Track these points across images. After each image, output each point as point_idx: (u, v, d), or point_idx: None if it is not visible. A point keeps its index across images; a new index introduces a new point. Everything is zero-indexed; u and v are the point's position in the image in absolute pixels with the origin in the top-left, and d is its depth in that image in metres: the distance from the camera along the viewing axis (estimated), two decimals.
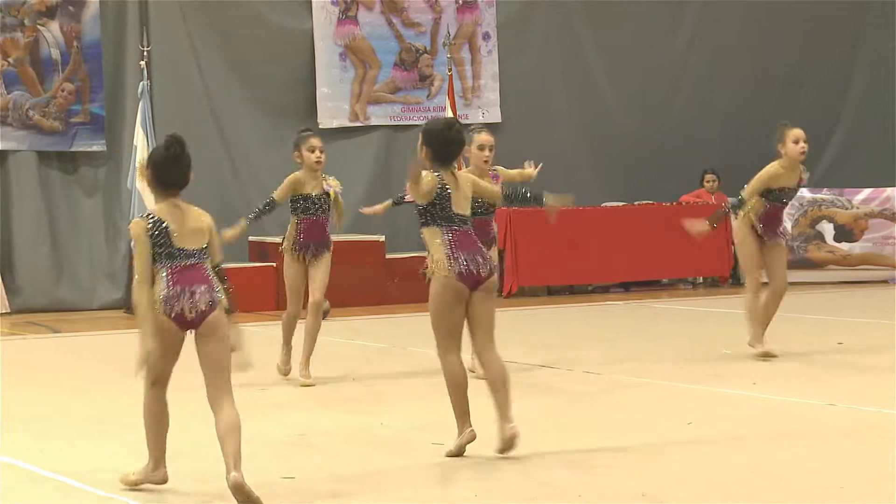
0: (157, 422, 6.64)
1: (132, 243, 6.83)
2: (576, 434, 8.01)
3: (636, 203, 17.72)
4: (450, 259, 7.17)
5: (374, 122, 17.33)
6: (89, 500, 6.63)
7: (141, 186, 14.56)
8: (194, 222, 6.59)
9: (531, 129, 17.65)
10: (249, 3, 16.65)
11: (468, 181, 7.52)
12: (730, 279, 17.28)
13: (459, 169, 7.96)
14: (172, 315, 6.35)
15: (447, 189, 7.27)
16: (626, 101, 18.50)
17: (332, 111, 17.12)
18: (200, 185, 16.30)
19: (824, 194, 17.76)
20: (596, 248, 16.95)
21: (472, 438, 7.03)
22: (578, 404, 9.35)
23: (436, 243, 7.27)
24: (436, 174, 7.28)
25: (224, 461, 6.24)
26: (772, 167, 10.79)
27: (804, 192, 17.56)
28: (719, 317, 14.50)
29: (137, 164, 14.74)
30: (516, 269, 16.55)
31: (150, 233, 6.40)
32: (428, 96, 17.50)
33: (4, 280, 15.26)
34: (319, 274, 10.10)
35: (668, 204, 17.64)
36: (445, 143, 7.39)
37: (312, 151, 9.92)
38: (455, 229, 7.28)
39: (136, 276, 6.39)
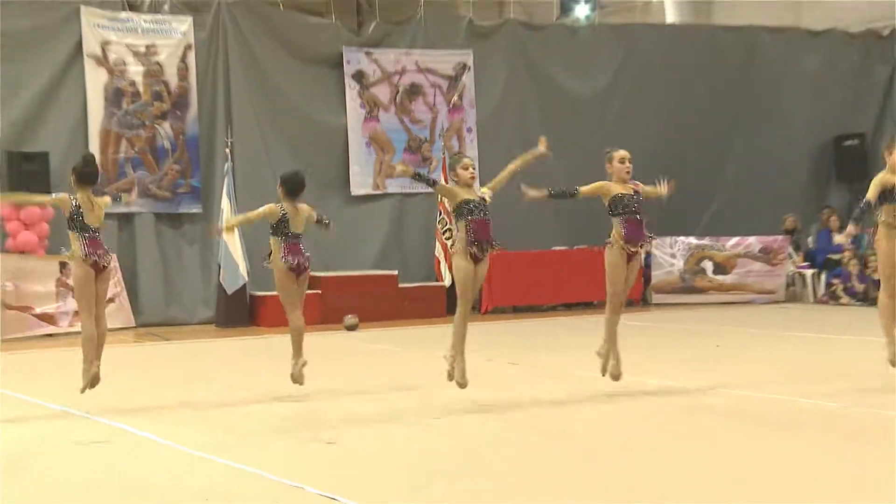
0: (92, 336, 8.03)
1: (54, 196, 8.38)
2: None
3: (575, 248, 17.60)
4: (284, 258, 8.49)
5: (390, 190, 17.31)
6: (177, 454, 6.64)
7: (227, 237, 14.72)
8: (97, 210, 8.08)
9: (501, 194, 17.00)
10: (302, 107, 16.76)
11: (305, 211, 8.71)
12: (641, 300, 17.43)
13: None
14: (91, 264, 7.89)
15: (286, 215, 8.53)
16: (567, 173, 17.81)
17: (361, 183, 17.13)
18: (265, 235, 16.66)
19: (706, 241, 17.84)
20: (548, 278, 16.90)
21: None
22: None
23: (275, 248, 8.56)
24: (280, 206, 8.57)
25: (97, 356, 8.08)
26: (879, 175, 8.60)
27: (692, 239, 17.82)
28: (634, 328, 14.66)
29: (224, 223, 15.03)
30: (490, 293, 16.42)
31: (71, 207, 7.99)
32: (428, 172, 17.02)
33: (132, 303, 15.25)
34: (483, 270, 8.22)
35: (598, 248, 17.46)
36: (289, 183, 8.64)
37: (466, 169, 8.36)
38: (288, 241, 8.54)
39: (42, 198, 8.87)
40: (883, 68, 19.81)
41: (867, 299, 16.56)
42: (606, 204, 8.56)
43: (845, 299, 16.88)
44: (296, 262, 8.54)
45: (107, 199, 8.40)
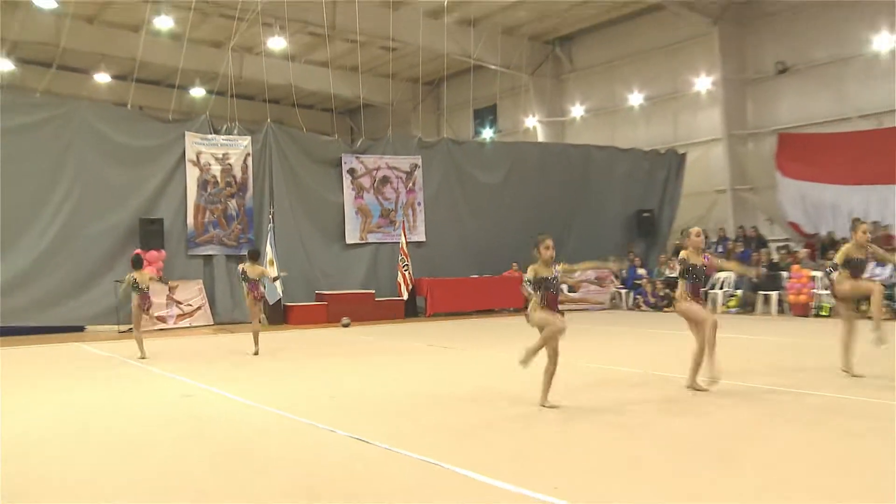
0: (140, 338, 9.62)
1: (129, 278, 9.60)
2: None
3: (485, 275, 17.69)
4: (254, 300, 10.12)
5: (370, 241, 17.16)
6: (237, 404, 6.38)
7: (270, 271, 14.61)
8: (146, 279, 9.36)
9: (439, 244, 17.77)
10: (315, 190, 16.64)
11: (258, 269, 10.17)
12: (524, 307, 17.13)
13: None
14: (143, 308, 9.52)
15: (244, 269, 10.07)
16: (482, 230, 18.34)
17: (352, 236, 16.99)
18: (293, 269, 16.60)
19: None
20: (471, 293, 16.87)
21: None
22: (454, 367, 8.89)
23: (249, 298, 10.12)
24: (244, 265, 10.12)
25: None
26: (846, 246, 7.20)
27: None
28: (521, 327, 14.36)
29: (266, 261, 14.87)
30: (434, 303, 16.44)
31: (132, 281, 9.23)
32: (393, 229, 17.33)
33: (211, 309, 15.11)
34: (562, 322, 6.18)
35: (499, 275, 17.60)
36: (249, 254, 10.38)
37: (548, 249, 6.23)
38: (250, 283, 10.01)
39: (127, 286, 9.49)
40: (661, 172, 20.26)
41: (656, 307, 16.89)
42: (684, 268, 6.83)
43: (645, 308, 17.13)
44: (254, 294, 10.13)
45: (146, 274, 9.71)
